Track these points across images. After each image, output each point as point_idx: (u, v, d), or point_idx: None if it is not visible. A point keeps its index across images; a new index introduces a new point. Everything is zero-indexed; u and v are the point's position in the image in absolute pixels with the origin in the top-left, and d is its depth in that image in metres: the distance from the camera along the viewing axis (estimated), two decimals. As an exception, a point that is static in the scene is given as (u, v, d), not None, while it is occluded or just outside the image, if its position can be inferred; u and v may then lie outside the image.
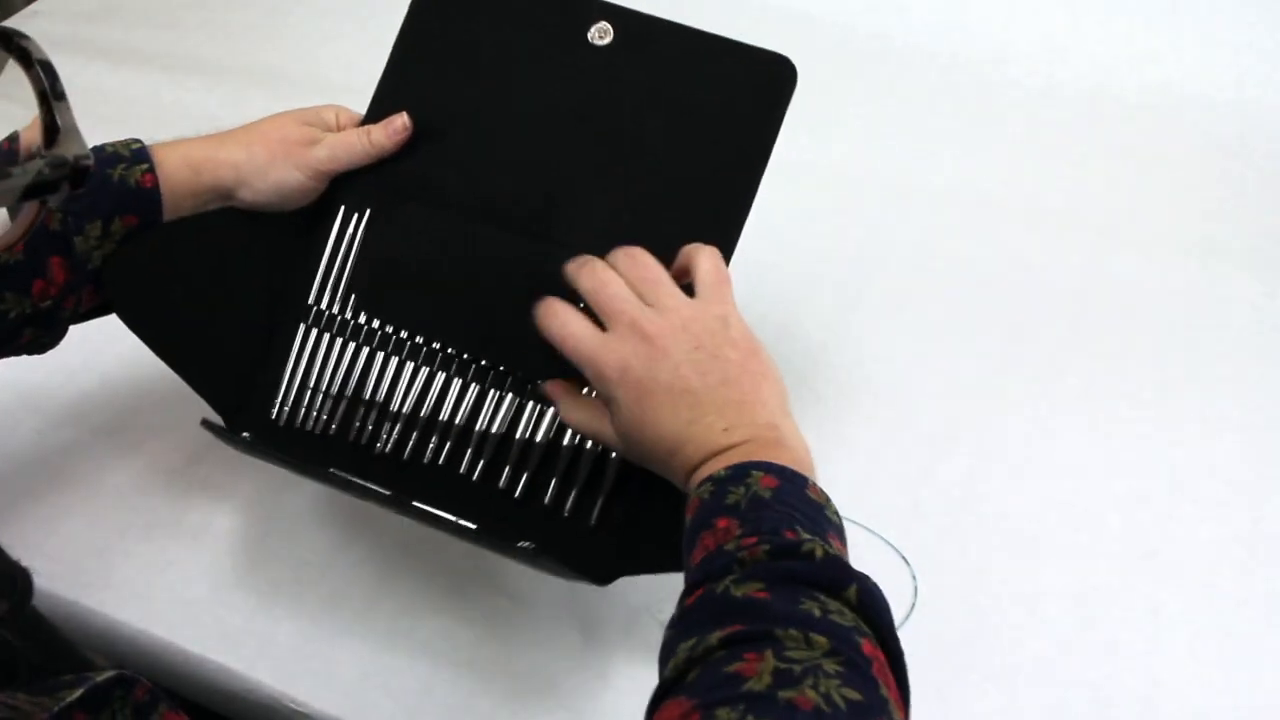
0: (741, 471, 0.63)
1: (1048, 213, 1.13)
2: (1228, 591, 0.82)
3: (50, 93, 0.40)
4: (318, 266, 0.80)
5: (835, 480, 0.88)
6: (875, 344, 1.00)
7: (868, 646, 0.54)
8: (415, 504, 0.72)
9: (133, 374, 0.96)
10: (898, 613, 0.81)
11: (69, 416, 0.93)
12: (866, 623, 0.56)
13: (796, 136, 1.22)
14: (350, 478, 0.73)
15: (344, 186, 0.81)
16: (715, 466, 0.64)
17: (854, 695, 0.51)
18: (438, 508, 0.72)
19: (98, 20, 1.41)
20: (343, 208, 0.81)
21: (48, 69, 0.41)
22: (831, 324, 1.01)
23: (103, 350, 0.98)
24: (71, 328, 0.78)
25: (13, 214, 0.41)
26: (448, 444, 0.77)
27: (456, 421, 0.77)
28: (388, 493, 0.73)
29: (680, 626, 0.58)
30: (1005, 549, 0.85)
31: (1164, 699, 0.76)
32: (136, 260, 0.75)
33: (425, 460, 0.77)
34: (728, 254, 0.76)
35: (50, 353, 0.96)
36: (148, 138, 0.75)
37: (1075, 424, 0.93)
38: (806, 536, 0.59)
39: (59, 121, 0.40)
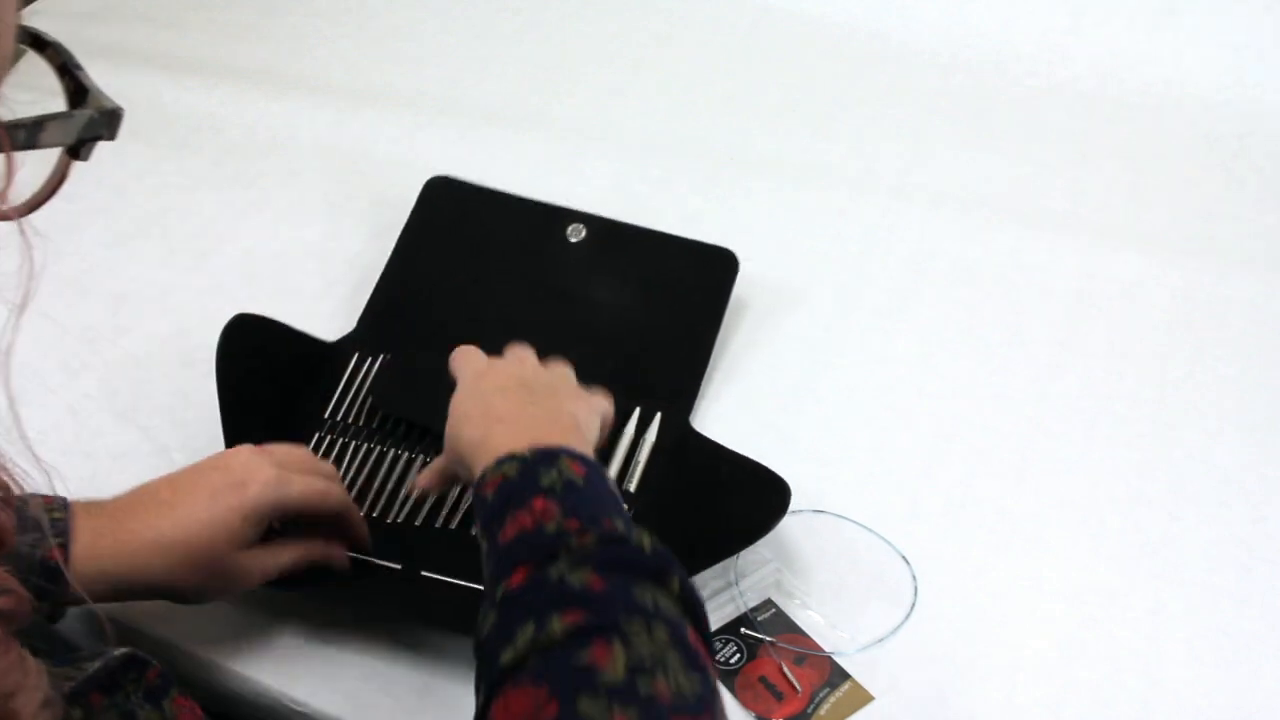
0: (550, 455, 0.65)
1: (1048, 213, 1.13)
2: (1228, 591, 0.82)
3: (69, 64, 0.46)
4: (334, 392, 0.92)
5: (835, 480, 0.89)
6: (875, 344, 1.00)
7: (693, 636, 0.58)
8: (424, 574, 0.80)
9: (132, 375, 0.96)
10: (898, 613, 0.81)
11: (68, 417, 0.93)
12: (688, 612, 0.59)
13: (797, 137, 1.23)
14: (361, 557, 0.80)
15: (361, 340, 0.95)
16: (515, 437, 0.67)
17: (696, 685, 0.55)
18: (450, 575, 0.80)
19: (98, 20, 1.41)
20: (356, 355, 0.93)
21: (59, 47, 0.46)
22: (831, 324, 1.01)
23: (103, 350, 0.99)
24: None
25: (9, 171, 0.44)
26: (458, 514, 0.84)
27: (463, 500, 0.85)
28: (398, 566, 0.80)
29: (509, 610, 0.59)
30: (1005, 549, 0.85)
31: (1164, 699, 0.76)
32: (246, 336, 0.87)
33: (438, 525, 0.84)
34: (687, 411, 0.90)
35: (49, 353, 0.96)
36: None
37: (1075, 424, 0.93)
38: (623, 527, 0.62)
39: (85, 84, 0.46)
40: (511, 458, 0.65)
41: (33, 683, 0.42)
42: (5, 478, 0.42)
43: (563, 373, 0.78)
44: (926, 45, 1.31)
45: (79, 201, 1.10)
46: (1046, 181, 1.16)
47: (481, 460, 0.68)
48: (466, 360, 0.79)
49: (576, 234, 1.00)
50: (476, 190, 1.04)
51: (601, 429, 0.77)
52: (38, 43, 0.46)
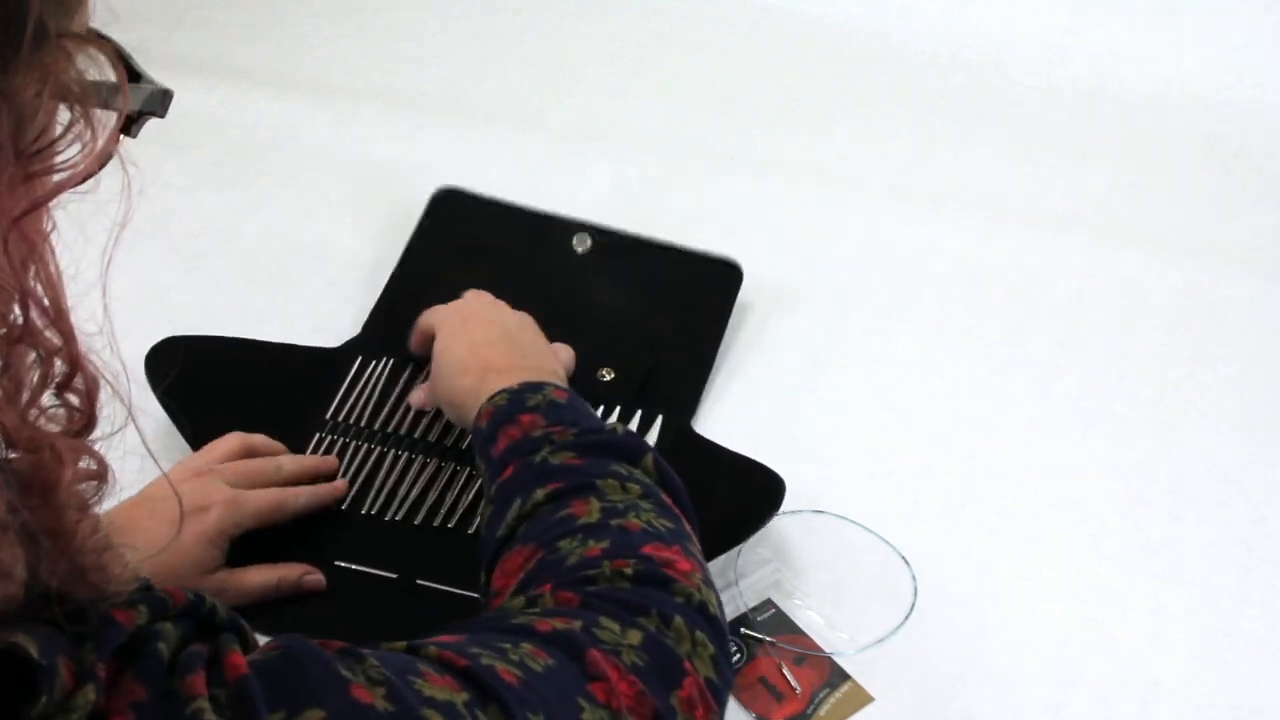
0: (535, 386, 0.74)
1: (1048, 213, 1.13)
2: (1228, 591, 0.82)
3: (122, 52, 0.48)
4: (335, 394, 0.92)
5: (835, 480, 0.89)
6: (875, 344, 1.00)
7: (667, 498, 0.68)
8: (420, 582, 0.80)
9: (132, 377, 0.96)
10: (898, 613, 0.81)
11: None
12: (661, 484, 0.69)
13: (797, 136, 1.23)
14: (354, 566, 0.80)
15: (362, 345, 0.95)
16: (509, 382, 0.74)
17: (668, 524, 0.65)
18: (445, 582, 0.80)
19: (98, 20, 1.41)
20: (360, 358, 0.94)
21: (112, 41, 0.48)
22: (831, 324, 1.01)
23: (102, 352, 0.98)
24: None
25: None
26: (457, 513, 0.84)
27: (462, 499, 0.85)
28: (394, 575, 0.80)
29: (501, 496, 0.68)
30: (1005, 549, 0.85)
31: (1164, 699, 0.76)
32: (181, 359, 0.87)
33: (436, 524, 0.84)
34: (689, 416, 0.91)
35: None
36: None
37: (1075, 424, 0.93)
38: (606, 425, 0.72)
39: (138, 69, 0.48)
40: (502, 392, 0.74)
41: (116, 548, 0.44)
42: (92, 369, 0.45)
43: (531, 323, 0.86)
44: (926, 45, 1.31)
45: (77, 201, 1.10)
46: (1046, 181, 1.16)
47: (477, 403, 0.75)
48: (439, 310, 0.86)
49: (582, 244, 1.01)
50: (483, 201, 1.05)
51: (565, 373, 0.85)
52: (93, 34, 0.48)
